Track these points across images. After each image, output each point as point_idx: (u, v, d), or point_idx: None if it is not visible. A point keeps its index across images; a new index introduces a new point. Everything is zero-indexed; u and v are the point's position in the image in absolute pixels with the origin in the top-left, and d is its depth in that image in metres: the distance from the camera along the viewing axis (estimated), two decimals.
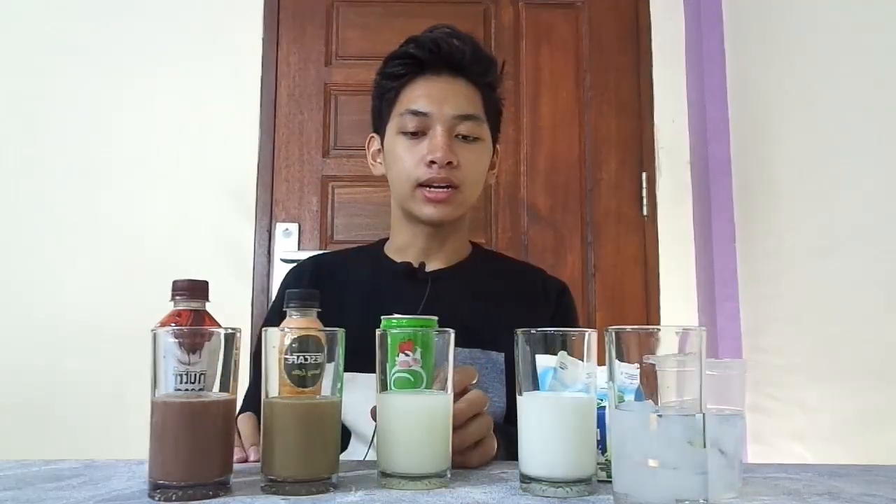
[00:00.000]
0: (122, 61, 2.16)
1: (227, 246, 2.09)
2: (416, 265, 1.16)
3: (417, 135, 1.11)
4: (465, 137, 1.12)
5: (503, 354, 1.10)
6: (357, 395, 0.95)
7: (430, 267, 1.17)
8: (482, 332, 1.07)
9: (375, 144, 1.22)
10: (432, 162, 1.09)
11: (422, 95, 1.12)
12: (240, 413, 0.94)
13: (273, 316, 1.13)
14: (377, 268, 1.19)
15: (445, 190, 1.10)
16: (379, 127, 1.20)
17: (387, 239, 1.25)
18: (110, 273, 2.06)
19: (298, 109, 2.19)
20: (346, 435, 1.03)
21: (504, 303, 1.15)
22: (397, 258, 1.19)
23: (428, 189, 1.10)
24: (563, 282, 1.26)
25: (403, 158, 1.12)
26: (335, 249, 2.01)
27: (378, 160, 1.21)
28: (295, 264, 1.26)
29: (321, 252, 1.35)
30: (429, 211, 1.11)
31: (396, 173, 1.14)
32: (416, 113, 1.11)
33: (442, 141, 1.09)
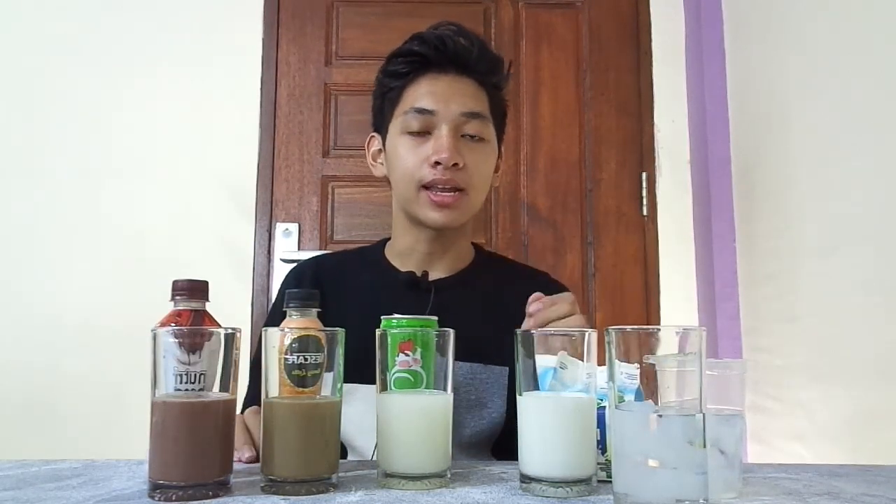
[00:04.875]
0: (122, 61, 2.16)
1: (227, 246, 2.09)
2: (418, 274, 1.12)
3: (422, 134, 1.07)
4: (471, 137, 1.08)
5: (507, 369, 1.07)
6: (356, 408, 0.95)
7: (433, 274, 1.13)
8: (485, 345, 1.04)
9: (376, 144, 1.18)
10: (437, 163, 1.05)
11: (427, 93, 1.08)
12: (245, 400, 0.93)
13: (274, 318, 1.10)
14: (379, 276, 1.16)
15: (452, 193, 1.06)
16: (380, 127, 1.16)
17: (387, 239, 1.22)
18: (110, 273, 2.06)
19: (298, 109, 2.19)
20: (342, 451, 1.01)
21: (508, 313, 1.07)
22: (399, 263, 1.16)
23: (433, 192, 1.06)
24: (568, 289, 1.22)
25: (407, 158, 1.08)
26: (335, 250, 2.01)
27: (379, 161, 1.17)
28: (293, 267, 1.22)
29: (321, 254, 1.33)
30: (434, 215, 1.07)
31: (399, 174, 1.10)
32: (421, 111, 1.07)
33: (448, 141, 1.05)
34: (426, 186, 1.07)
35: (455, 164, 1.05)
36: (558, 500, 0.66)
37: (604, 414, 0.70)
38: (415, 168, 1.07)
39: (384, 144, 1.15)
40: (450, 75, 1.10)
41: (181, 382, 0.65)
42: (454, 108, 1.07)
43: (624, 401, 0.62)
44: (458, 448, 1.03)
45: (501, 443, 1.08)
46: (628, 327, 0.62)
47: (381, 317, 0.81)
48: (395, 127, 1.11)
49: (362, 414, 0.95)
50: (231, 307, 2.00)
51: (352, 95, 2.18)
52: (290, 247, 2.11)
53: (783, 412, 1.66)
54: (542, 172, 2.19)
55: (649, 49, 2.23)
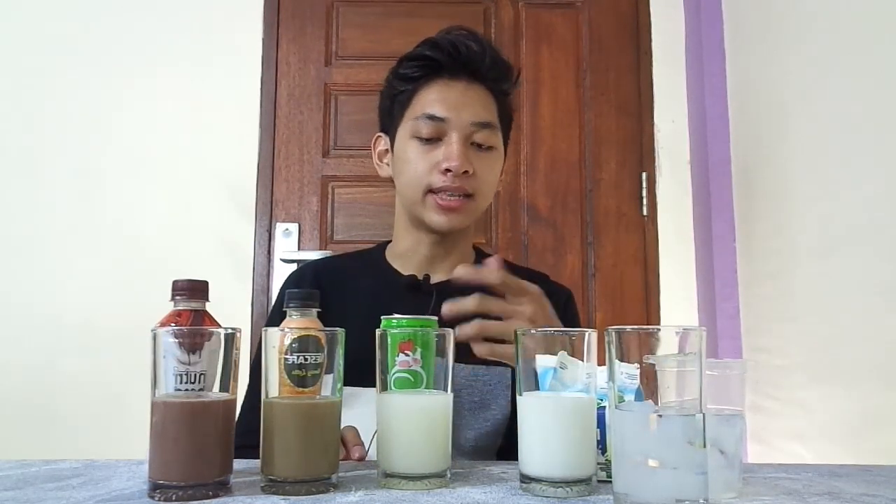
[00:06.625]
0: (122, 61, 2.16)
1: (227, 246, 2.09)
2: (420, 277, 1.12)
3: (432, 140, 1.08)
4: (479, 146, 1.09)
5: (509, 369, 1.06)
6: (359, 412, 0.94)
7: (434, 277, 1.13)
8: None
9: (382, 144, 1.18)
10: (447, 170, 1.06)
11: (438, 100, 1.09)
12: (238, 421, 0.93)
13: (273, 322, 1.10)
14: (380, 279, 1.16)
15: (458, 199, 1.07)
16: (388, 127, 1.16)
17: (388, 242, 1.22)
18: (110, 273, 2.06)
19: (298, 109, 2.19)
20: None
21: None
22: (400, 265, 1.16)
23: (440, 196, 1.07)
24: (568, 289, 1.23)
25: (416, 163, 1.08)
26: (335, 251, 2.02)
27: (385, 161, 1.18)
28: (294, 270, 1.22)
29: (320, 258, 1.33)
30: (439, 219, 1.08)
31: (407, 178, 1.10)
32: (432, 118, 1.08)
33: (458, 149, 1.06)
34: (433, 191, 1.08)
35: (465, 172, 1.06)
36: (558, 500, 0.66)
37: (604, 414, 0.70)
38: (424, 174, 1.08)
39: (392, 146, 1.16)
40: (462, 82, 1.10)
41: (181, 382, 0.65)
42: (465, 117, 1.08)
43: (624, 401, 0.62)
44: (460, 453, 1.03)
45: (504, 446, 1.07)
46: (628, 327, 0.62)
47: (381, 317, 0.81)
48: (404, 130, 1.12)
49: (365, 418, 0.95)
50: (231, 307, 2.00)
51: (352, 95, 2.18)
52: (290, 247, 2.11)
53: (783, 412, 1.66)
54: (542, 172, 2.19)
55: (649, 49, 2.23)
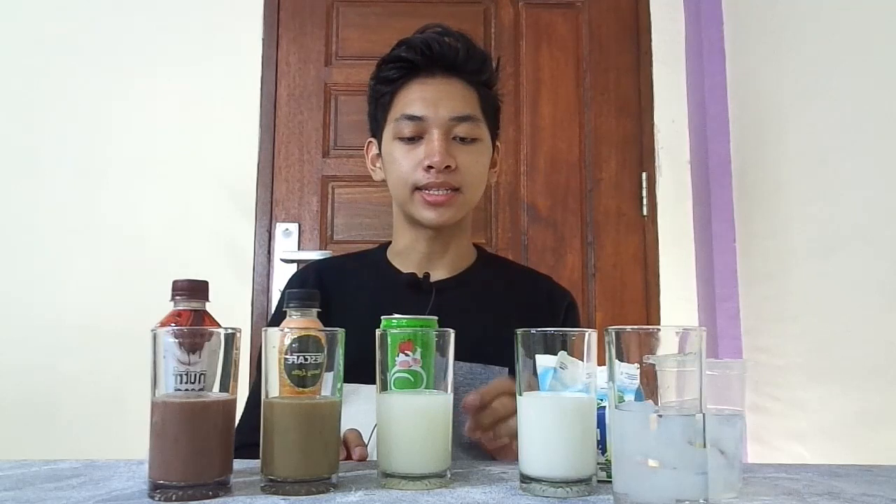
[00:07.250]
0: (122, 61, 2.16)
1: (227, 246, 2.09)
2: (420, 275, 1.14)
3: (414, 139, 1.10)
4: (462, 139, 1.11)
5: (507, 369, 1.07)
6: (358, 408, 0.95)
7: (434, 275, 1.15)
8: (486, 345, 1.05)
9: (373, 149, 1.21)
10: (430, 167, 1.07)
11: (416, 99, 1.10)
12: (239, 424, 0.93)
13: (276, 322, 1.11)
14: (381, 278, 1.18)
15: (445, 193, 1.09)
16: (376, 132, 1.19)
17: (389, 243, 1.23)
18: (110, 273, 2.06)
19: (298, 109, 2.19)
20: None
21: (510, 314, 1.10)
22: (400, 263, 1.18)
23: (427, 192, 1.09)
24: (570, 294, 1.24)
25: (401, 163, 1.10)
26: (335, 251, 2.02)
27: (377, 165, 1.20)
28: (296, 271, 1.24)
29: (322, 258, 1.34)
30: (429, 215, 1.10)
31: (395, 178, 1.13)
32: (411, 118, 1.10)
33: (439, 145, 1.08)
34: (420, 188, 1.10)
35: (447, 167, 1.08)
36: (558, 500, 0.66)
37: (604, 414, 0.70)
38: (409, 172, 1.10)
39: (380, 149, 1.18)
40: (438, 78, 1.12)
41: (181, 382, 0.65)
42: (443, 113, 1.09)
43: (624, 401, 0.62)
44: (459, 449, 1.04)
45: None
46: (628, 327, 0.62)
47: (382, 317, 0.81)
48: (388, 132, 1.14)
49: (364, 413, 0.96)
50: (231, 307, 2.00)
51: (352, 95, 2.18)
52: (290, 247, 2.11)
53: (783, 412, 1.66)
54: (542, 172, 2.19)
55: (649, 49, 2.23)
